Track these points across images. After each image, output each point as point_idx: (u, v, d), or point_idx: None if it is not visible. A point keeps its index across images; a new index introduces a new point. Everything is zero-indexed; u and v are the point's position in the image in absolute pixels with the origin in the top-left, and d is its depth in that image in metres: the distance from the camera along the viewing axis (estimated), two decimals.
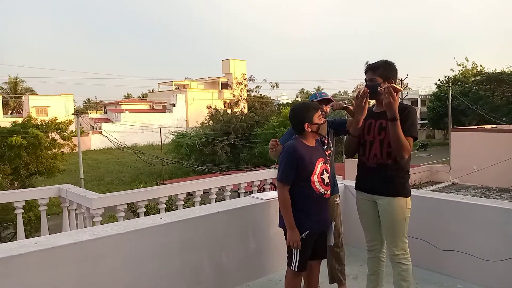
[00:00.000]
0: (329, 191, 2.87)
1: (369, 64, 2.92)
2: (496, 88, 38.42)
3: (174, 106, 53.57)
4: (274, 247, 3.91)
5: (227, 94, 47.13)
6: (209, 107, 37.70)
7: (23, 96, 50.84)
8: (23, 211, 4.97)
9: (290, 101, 53.73)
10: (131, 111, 50.91)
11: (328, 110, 3.35)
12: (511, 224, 3.36)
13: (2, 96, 49.30)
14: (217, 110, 37.06)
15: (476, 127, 20.25)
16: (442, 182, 15.96)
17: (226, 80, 53.30)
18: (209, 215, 3.50)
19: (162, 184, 14.16)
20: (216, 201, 5.19)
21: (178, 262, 3.26)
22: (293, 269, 2.78)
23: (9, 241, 7.57)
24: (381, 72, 2.84)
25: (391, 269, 2.94)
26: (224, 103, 41.50)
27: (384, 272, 3.07)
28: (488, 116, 32.32)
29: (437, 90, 45.16)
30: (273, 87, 39.13)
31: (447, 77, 44.94)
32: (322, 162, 2.84)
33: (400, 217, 2.81)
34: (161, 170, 30.62)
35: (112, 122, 48.77)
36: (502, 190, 13.91)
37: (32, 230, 13.37)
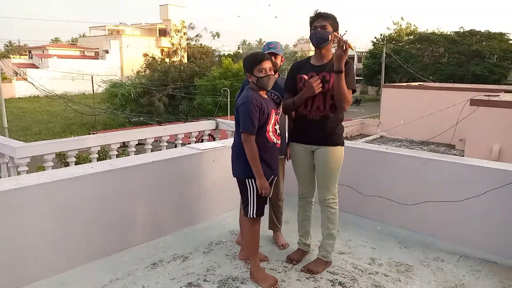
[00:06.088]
0: (279, 141, 2.94)
1: (320, 11, 2.89)
2: (426, 48, 40.42)
3: (108, 53, 50.28)
4: (210, 196, 3.99)
5: (165, 42, 44.85)
6: (145, 55, 35.67)
7: None
8: None
9: (232, 53, 52.54)
10: (59, 56, 47.10)
11: (279, 62, 3.26)
12: (427, 172, 3.71)
13: None
14: (154, 58, 35.24)
15: (405, 84, 21.41)
16: (371, 135, 16.93)
17: (164, 27, 50.46)
18: (144, 165, 3.45)
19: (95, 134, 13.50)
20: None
21: (111, 211, 3.22)
22: (250, 216, 2.84)
23: None
24: (331, 22, 2.86)
25: (319, 213, 3.14)
26: (162, 51, 39.15)
27: (312, 215, 3.28)
28: (417, 75, 34.15)
29: (372, 47, 46.54)
30: (214, 36, 37.65)
31: (382, 35, 46.43)
32: (274, 113, 2.89)
33: (336, 164, 3.00)
34: (94, 120, 29.17)
35: (38, 68, 44.95)
36: (424, 143, 15.12)
37: None
